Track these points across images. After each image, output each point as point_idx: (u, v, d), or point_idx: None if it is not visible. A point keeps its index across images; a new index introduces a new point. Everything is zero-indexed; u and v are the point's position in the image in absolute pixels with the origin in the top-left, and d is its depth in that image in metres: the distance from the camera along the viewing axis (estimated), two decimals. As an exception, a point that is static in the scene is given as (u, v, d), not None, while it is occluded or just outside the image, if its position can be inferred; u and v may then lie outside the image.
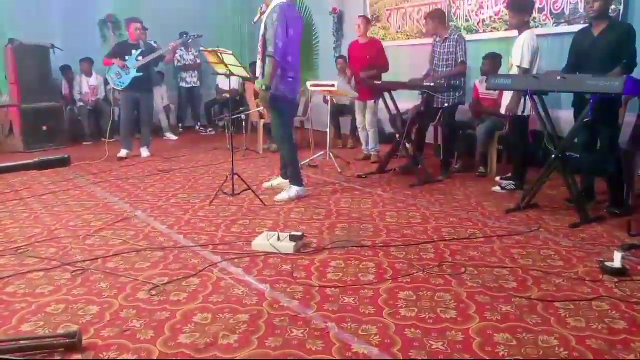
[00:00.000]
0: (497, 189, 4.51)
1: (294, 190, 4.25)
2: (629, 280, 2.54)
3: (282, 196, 4.22)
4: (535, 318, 2.16)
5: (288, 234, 3.00)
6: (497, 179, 4.71)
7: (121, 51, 6.00)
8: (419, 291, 2.44)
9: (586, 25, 3.94)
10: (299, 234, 3.01)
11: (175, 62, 8.39)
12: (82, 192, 4.58)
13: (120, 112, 6.39)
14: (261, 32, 4.03)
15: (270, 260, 2.85)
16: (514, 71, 4.24)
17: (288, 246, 2.92)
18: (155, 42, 6.15)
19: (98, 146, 6.89)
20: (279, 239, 2.97)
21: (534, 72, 4.12)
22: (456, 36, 4.99)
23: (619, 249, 2.78)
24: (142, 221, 3.66)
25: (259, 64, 4.13)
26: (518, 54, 4.19)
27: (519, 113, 4.28)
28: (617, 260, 2.64)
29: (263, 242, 2.99)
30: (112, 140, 6.52)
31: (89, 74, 7.77)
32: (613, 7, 4.82)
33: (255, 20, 4.22)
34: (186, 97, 8.67)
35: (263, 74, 3.98)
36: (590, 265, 2.74)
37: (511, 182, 4.51)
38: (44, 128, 6.92)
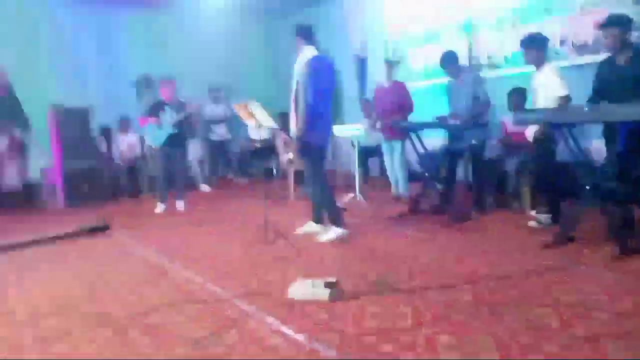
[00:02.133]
0: (533, 223, 4.42)
1: (335, 232, 4.29)
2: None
3: (324, 238, 4.28)
4: (581, 356, 2.08)
5: (323, 281, 3.00)
6: (533, 213, 4.62)
7: (156, 110, 6.29)
8: (458, 335, 2.39)
9: (609, 54, 3.93)
10: (333, 280, 3.01)
11: (206, 116, 8.72)
12: (121, 248, 4.71)
13: (156, 168, 6.61)
14: (293, 85, 4.20)
15: (307, 309, 2.85)
16: (540, 104, 4.23)
17: (323, 293, 2.92)
18: (185, 99, 6.42)
19: (135, 202, 7.12)
20: (313, 285, 2.98)
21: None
22: (472, 76, 5.06)
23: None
24: (179, 274, 3.73)
25: (292, 115, 4.28)
26: (552, 86, 4.19)
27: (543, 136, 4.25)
28: (664, 292, 2.55)
29: (299, 289, 3.00)
30: (149, 194, 6.73)
31: (125, 132, 8.13)
32: (637, 34, 4.83)
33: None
34: (217, 150, 8.93)
35: (296, 126, 4.13)
36: (637, 299, 2.64)
37: (547, 215, 4.42)
38: (85, 188, 7.21)
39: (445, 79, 6.80)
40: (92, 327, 2.82)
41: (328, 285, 2.96)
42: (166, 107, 6.21)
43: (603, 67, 3.89)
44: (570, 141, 3.77)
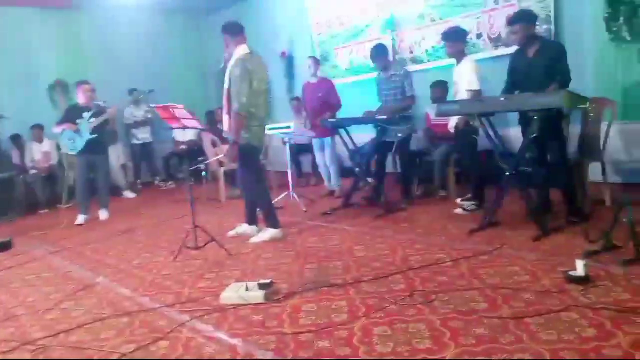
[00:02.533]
0: (459, 211, 4.59)
1: (268, 233, 4.23)
2: (593, 287, 2.60)
3: (257, 239, 4.20)
4: (508, 337, 2.16)
5: (256, 283, 2.94)
6: (458, 201, 4.80)
7: (72, 115, 5.91)
8: (393, 325, 2.42)
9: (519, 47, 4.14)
10: (268, 281, 2.96)
11: (126, 120, 8.36)
12: (41, 264, 4.40)
13: (75, 176, 6.22)
14: (225, 85, 4.09)
15: (241, 313, 2.78)
16: (461, 97, 4.40)
17: (257, 295, 2.86)
18: (104, 102, 6.08)
19: (55, 214, 6.70)
20: (247, 289, 2.91)
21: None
22: (402, 71, 5.16)
23: (581, 257, 2.86)
24: (105, 287, 3.53)
25: (225, 117, 4.18)
26: (466, 79, 4.38)
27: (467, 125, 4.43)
28: (580, 268, 2.70)
29: (232, 294, 2.92)
30: (69, 206, 6.35)
31: (40, 141, 7.61)
32: (545, 27, 5.14)
33: (221, 67, 4.25)
34: (140, 154, 8.58)
35: (230, 129, 4.03)
36: (555, 277, 2.80)
37: (472, 202, 4.61)
38: (-4, 201, 6.70)
39: (371, 75, 6.97)
40: (9, 350, 2.60)
41: (262, 286, 2.91)
42: (84, 112, 5.86)
43: (515, 59, 4.10)
44: (489, 130, 3.93)
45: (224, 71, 4.20)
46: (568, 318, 2.28)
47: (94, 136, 5.79)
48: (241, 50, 4.08)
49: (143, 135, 8.51)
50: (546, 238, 3.54)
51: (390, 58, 5.39)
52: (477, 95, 4.32)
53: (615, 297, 2.46)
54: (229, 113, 4.08)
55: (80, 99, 6.00)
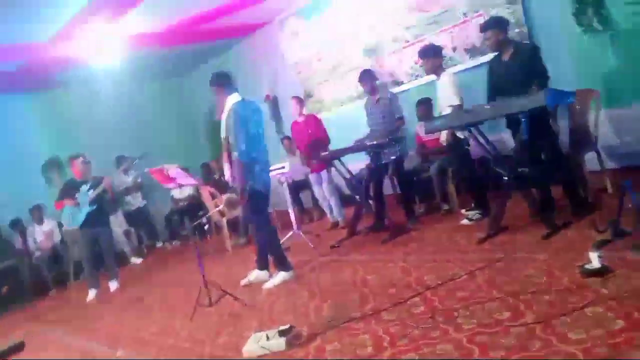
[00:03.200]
0: (465, 221, 4.58)
1: (280, 276, 4.21)
2: (612, 277, 2.57)
3: (270, 284, 4.18)
4: (537, 343, 2.13)
5: (276, 330, 2.90)
6: (463, 211, 4.79)
7: (69, 190, 5.92)
8: (419, 350, 2.38)
9: (495, 54, 4.21)
10: (287, 327, 2.92)
11: (115, 188, 8.32)
12: (58, 346, 4.35)
13: (80, 252, 6.17)
14: (222, 134, 4.12)
15: (265, 363, 2.74)
16: (445, 112, 4.45)
17: (279, 343, 2.82)
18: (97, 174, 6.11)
19: (65, 293, 6.65)
20: (268, 338, 2.87)
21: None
22: (388, 94, 5.25)
23: (593, 249, 2.83)
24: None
25: (225, 166, 4.19)
26: (447, 95, 4.45)
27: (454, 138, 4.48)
28: (594, 260, 2.68)
29: (253, 346, 2.88)
30: (78, 280, 6.31)
31: (40, 222, 7.60)
32: (517, 30, 5.25)
33: (217, 118, 4.28)
34: (136, 220, 8.51)
35: (233, 178, 4.05)
36: (572, 273, 2.77)
37: (476, 211, 4.60)
38: (3, 290, 6.64)
39: (354, 102, 7.08)
40: None
41: (283, 333, 2.87)
42: (80, 186, 5.88)
43: (492, 66, 4.17)
44: (480, 138, 3.96)
45: (219, 122, 4.25)
46: (593, 313, 2.25)
47: (93, 207, 5.80)
48: (233, 99, 4.15)
49: (135, 201, 8.47)
50: (555, 235, 3.51)
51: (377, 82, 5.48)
52: (458, 108, 4.37)
53: (636, 284, 2.43)
54: (230, 162, 4.10)
55: (75, 172, 6.03)
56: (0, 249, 6.94)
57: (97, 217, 5.88)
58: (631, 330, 2.02)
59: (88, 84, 8.17)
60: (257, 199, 4.17)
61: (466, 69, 5.75)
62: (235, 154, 4.01)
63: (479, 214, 4.56)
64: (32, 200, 7.53)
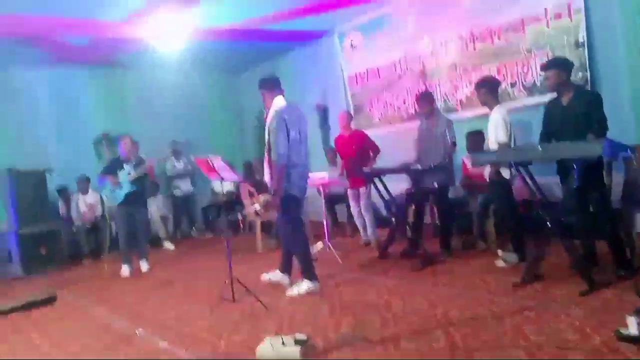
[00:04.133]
0: (500, 263, 4.46)
1: (305, 285, 4.21)
2: (648, 346, 2.45)
3: (293, 292, 4.19)
4: (557, 401, 2.05)
5: (292, 338, 2.90)
6: (499, 252, 4.66)
7: (114, 167, 6.14)
8: (433, 385, 2.33)
9: (555, 95, 4.11)
10: (304, 337, 2.91)
11: (168, 172, 8.63)
12: (82, 314, 4.49)
13: (116, 227, 6.40)
14: (266, 138, 4.21)
15: (277, 368, 2.74)
16: (493, 147, 4.36)
17: (294, 351, 2.82)
18: (144, 155, 6.31)
19: (98, 264, 6.87)
20: (283, 343, 2.87)
21: (512, 144, 4.27)
22: (445, 120, 5.20)
23: (633, 314, 2.70)
24: (143, 339, 3.56)
25: (266, 168, 4.27)
26: (495, 130, 4.36)
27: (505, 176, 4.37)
28: (632, 326, 2.55)
29: (268, 349, 2.89)
30: (111, 255, 6.53)
31: (85, 192, 7.89)
32: (580, 74, 5.11)
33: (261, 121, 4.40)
34: (182, 205, 8.78)
35: (271, 180, 4.13)
36: (606, 335, 2.64)
37: (513, 254, 4.47)
38: (43, 251, 6.93)
39: (403, 124, 7.04)
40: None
41: (298, 342, 2.86)
42: (124, 165, 6.09)
43: (549, 108, 4.06)
44: (527, 179, 3.86)
45: (264, 124, 4.33)
46: (623, 381, 2.15)
47: (134, 188, 5.99)
48: (278, 103, 4.22)
49: (185, 187, 8.73)
50: (593, 293, 3.37)
51: (436, 107, 5.45)
52: (505, 146, 4.27)
53: (673, 359, 2.31)
54: (270, 164, 4.17)
55: (122, 151, 6.25)
56: (45, 212, 7.21)
57: (136, 198, 6.06)
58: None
59: (151, 67, 8.49)
60: (290, 203, 4.21)
61: (522, 107, 5.63)
62: (274, 157, 4.07)
63: (516, 257, 4.43)
64: (81, 171, 7.85)
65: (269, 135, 4.18)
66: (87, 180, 7.83)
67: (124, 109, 8.94)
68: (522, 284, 3.74)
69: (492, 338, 2.80)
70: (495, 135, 4.38)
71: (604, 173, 3.96)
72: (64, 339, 3.79)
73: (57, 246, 7.19)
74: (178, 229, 8.92)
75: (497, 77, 5.75)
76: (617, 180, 4.39)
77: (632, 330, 2.53)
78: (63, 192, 8.02)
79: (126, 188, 5.98)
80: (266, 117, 4.30)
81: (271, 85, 4.33)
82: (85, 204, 7.88)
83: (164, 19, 6.31)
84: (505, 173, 4.34)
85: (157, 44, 6.80)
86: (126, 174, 6.00)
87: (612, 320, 2.79)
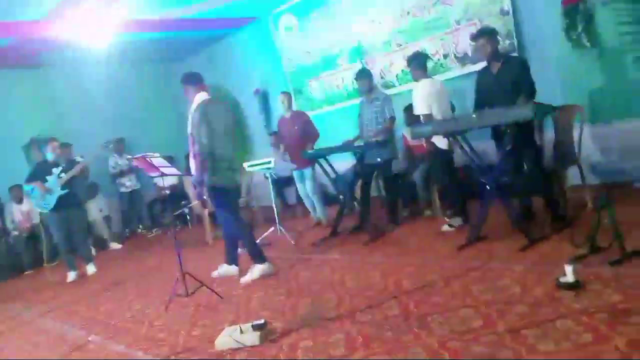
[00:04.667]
0: (445, 227, 4.62)
1: (257, 270, 4.21)
2: (584, 292, 2.61)
3: (247, 278, 4.18)
4: (506, 352, 2.16)
5: (250, 325, 2.91)
6: (445, 219, 4.82)
7: (40, 173, 5.80)
8: (391, 353, 2.40)
9: (484, 65, 4.26)
10: (262, 322, 2.92)
11: (111, 170, 8.34)
12: (31, 327, 4.30)
13: (53, 234, 6.08)
14: (189, 130, 4.13)
15: (238, 357, 2.74)
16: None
17: (253, 337, 2.83)
18: (81, 156, 6.03)
19: (40, 274, 6.57)
20: (241, 331, 2.87)
21: (439, 114, 4.42)
22: (383, 96, 5.28)
23: (568, 262, 2.88)
24: (98, 345, 3.46)
25: (191, 160, 4.20)
26: (415, 103, 4.56)
27: (442, 147, 4.52)
28: (569, 274, 2.72)
29: (226, 338, 2.88)
30: (53, 264, 6.26)
31: (20, 201, 7.50)
32: (508, 42, 5.31)
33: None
34: (129, 201, 8.53)
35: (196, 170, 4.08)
36: (546, 285, 2.81)
37: (457, 218, 4.64)
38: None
39: (345, 104, 7.10)
40: None
41: (256, 327, 2.87)
42: (53, 169, 5.79)
43: (480, 77, 4.23)
44: (465, 146, 4.00)
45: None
46: (563, 326, 2.29)
47: (64, 191, 5.72)
48: (200, 97, 4.22)
49: (130, 183, 8.47)
50: (533, 247, 3.56)
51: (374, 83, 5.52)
52: (427, 118, 4.46)
53: (607, 300, 2.47)
54: (195, 156, 4.13)
55: (48, 154, 5.92)
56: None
57: (69, 200, 5.78)
58: (599, 345, 2.06)
59: (82, 64, 8.08)
60: (221, 195, 4.22)
61: (456, 77, 5.80)
62: (196, 147, 4.06)
63: (460, 220, 4.60)
64: (14, 178, 7.41)
65: (191, 128, 4.14)
66: (21, 188, 7.41)
67: (56, 109, 8.48)
68: (467, 246, 3.90)
69: (443, 301, 2.92)
70: (418, 107, 4.52)
71: (535, 134, 4.19)
72: (17, 354, 3.63)
73: (-5, 260, 6.81)
74: (127, 227, 8.68)
75: (430, 50, 5.91)
76: (547, 140, 4.64)
77: (570, 278, 2.70)
78: (-5, 203, 7.59)
79: (57, 192, 5.69)
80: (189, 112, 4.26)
81: (194, 80, 4.33)
82: (21, 212, 7.49)
83: (87, 12, 5.99)
84: (442, 143, 4.48)
85: (84, 40, 6.46)
86: (56, 178, 5.71)
87: (551, 272, 2.94)
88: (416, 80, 4.72)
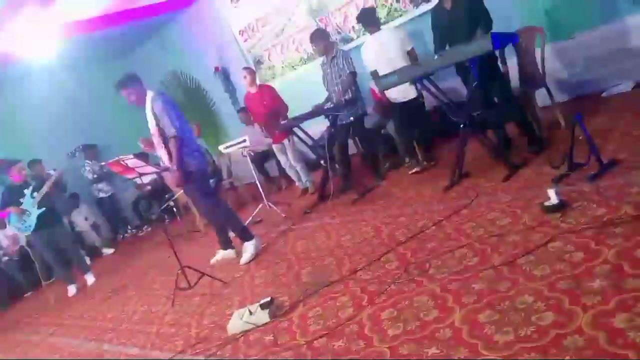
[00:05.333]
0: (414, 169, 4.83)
1: (251, 247, 4.26)
2: (570, 210, 2.69)
3: (245, 259, 4.24)
4: (505, 283, 2.24)
5: (258, 304, 2.96)
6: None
7: (12, 198, 5.69)
8: (397, 304, 2.48)
9: (437, 2, 4.22)
10: (268, 299, 2.98)
11: (88, 177, 8.23)
12: (43, 349, 4.32)
13: (42, 254, 6.01)
14: (152, 125, 4.06)
15: (252, 338, 2.80)
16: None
17: (262, 316, 2.89)
18: (54, 170, 5.90)
19: (40, 293, 6.55)
20: (250, 312, 2.93)
21: (388, 67, 4.44)
22: (340, 52, 5.21)
23: (551, 185, 2.96)
24: (113, 353, 3.50)
25: (162, 152, 4.13)
26: (397, 47, 4.71)
27: (411, 95, 4.62)
28: (552, 196, 2.79)
29: (237, 322, 2.94)
30: (50, 281, 6.26)
31: (2, 226, 7.38)
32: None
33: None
34: (109, 206, 8.46)
35: (171, 159, 4.02)
36: (533, 211, 2.88)
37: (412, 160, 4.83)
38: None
39: (306, 65, 7.00)
40: None
41: (264, 306, 2.93)
42: (24, 190, 5.67)
43: (435, 16, 4.20)
44: (432, 89, 4.01)
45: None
46: (554, 248, 2.37)
47: (42, 209, 5.64)
48: (150, 94, 4.14)
49: (107, 188, 8.39)
50: (515, 175, 3.63)
51: (331, 40, 5.46)
52: (375, 75, 4.62)
53: (592, 215, 2.55)
54: (167, 146, 4.06)
55: (16, 179, 5.78)
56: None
57: (50, 217, 5.71)
58: (591, 260, 2.14)
59: (30, 78, 7.81)
60: (195, 180, 4.19)
61: (412, 19, 5.74)
62: (172, 131, 3.97)
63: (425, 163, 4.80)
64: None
65: (156, 121, 4.05)
66: (0, 213, 7.29)
67: (17, 127, 8.26)
68: (451, 186, 3.96)
69: (438, 245, 2.98)
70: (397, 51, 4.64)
71: (499, 64, 4.20)
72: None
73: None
74: (117, 231, 8.65)
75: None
76: (512, 66, 4.67)
77: (553, 200, 2.78)
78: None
79: (35, 212, 5.60)
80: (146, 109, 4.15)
81: (137, 79, 4.18)
82: (7, 237, 7.40)
83: (26, 23, 5.74)
84: (411, 90, 4.51)
85: (29, 52, 6.23)
86: (29, 198, 5.61)
87: (536, 196, 3.02)
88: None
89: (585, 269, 2.10)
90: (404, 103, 4.79)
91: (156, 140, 4.10)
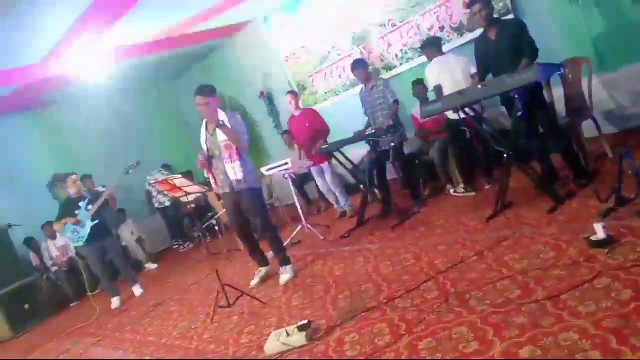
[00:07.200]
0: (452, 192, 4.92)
1: (290, 269, 4.40)
2: (618, 246, 2.62)
3: (284, 279, 4.32)
4: (549, 319, 2.20)
5: (295, 326, 2.99)
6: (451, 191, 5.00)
7: (68, 209, 5.97)
8: (436, 335, 2.46)
9: (482, 32, 4.24)
10: (306, 322, 3.01)
11: (149, 188, 8.62)
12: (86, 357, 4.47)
13: (91, 265, 6.26)
14: (220, 138, 4.20)
15: (289, 359, 2.83)
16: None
17: (299, 338, 2.91)
18: (103, 186, 6.19)
19: (86, 303, 6.78)
20: (288, 334, 2.96)
21: (454, 87, 4.49)
22: (381, 81, 5.29)
23: (598, 219, 2.89)
24: (153, 367, 3.59)
25: (229, 166, 4.22)
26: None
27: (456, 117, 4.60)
28: (599, 231, 2.73)
29: (274, 343, 2.97)
30: (96, 292, 6.49)
31: (53, 237, 7.72)
32: (502, 3, 5.26)
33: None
34: (173, 212, 8.78)
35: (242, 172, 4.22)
36: (579, 245, 2.82)
37: (461, 186, 4.76)
38: (26, 307, 6.78)
39: (350, 93, 7.11)
40: None
41: (301, 328, 2.95)
42: (79, 202, 5.95)
43: (479, 45, 4.21)
44: (476, 118, 4.01)
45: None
46: (601, 284, 2.31)
47: (95, 222, 5.89)
48: (224, 111, 4.29)
49: (164, 199, 8.64)
50: (560, 207, 3.56)
51: (370, 70, 5.58)
52: (438, 90, 4.78)
53: (641, 251, 2.49)
54: (239, 156, 4.20)
55: (71, 190, 6.06)
56: (17, 268, 7.04)
57: (101, 230, 5.95)
58: (639, 300, 2.08)
59: (84, 98, 8.27)
60: (260, 197, 4.44)
61: (456, 48, 5.76)
62: (245, 155, 4.23)
63: (463, 189, 4.88)
64: (40, 218, 7.63)
65: (229, 135, 4.15)
66: (52, 224, 7.63)
67: (71, 144, 8.72)
68: (494, 216, 3.91)
69: (479, 276, 2.95)
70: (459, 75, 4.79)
71: (545, 94, 4.17)
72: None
73: (39, 298, 7.03)
74: (178, 238, 8.96)
75: (425, 25, 5.93)
76: (558, 97, 4.62)
77: (600, 235, 2.72)
78: (31, 242, 7.82)
79: (88, 224, 5.86)
80: (207, 124, 4.31)
81: (216, 92, 4.26)
82: (57, 248, 7.73)
83: (83, 49, 6.11)
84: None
85: (84, 75, 6.60)
86: (84, 210, 5.88)
87: (583, 230, 2.96)
88: (430, 60, 4.98)
89: (634, 308, 2.04)
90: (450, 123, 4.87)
91: (227, 154, 4.21)
